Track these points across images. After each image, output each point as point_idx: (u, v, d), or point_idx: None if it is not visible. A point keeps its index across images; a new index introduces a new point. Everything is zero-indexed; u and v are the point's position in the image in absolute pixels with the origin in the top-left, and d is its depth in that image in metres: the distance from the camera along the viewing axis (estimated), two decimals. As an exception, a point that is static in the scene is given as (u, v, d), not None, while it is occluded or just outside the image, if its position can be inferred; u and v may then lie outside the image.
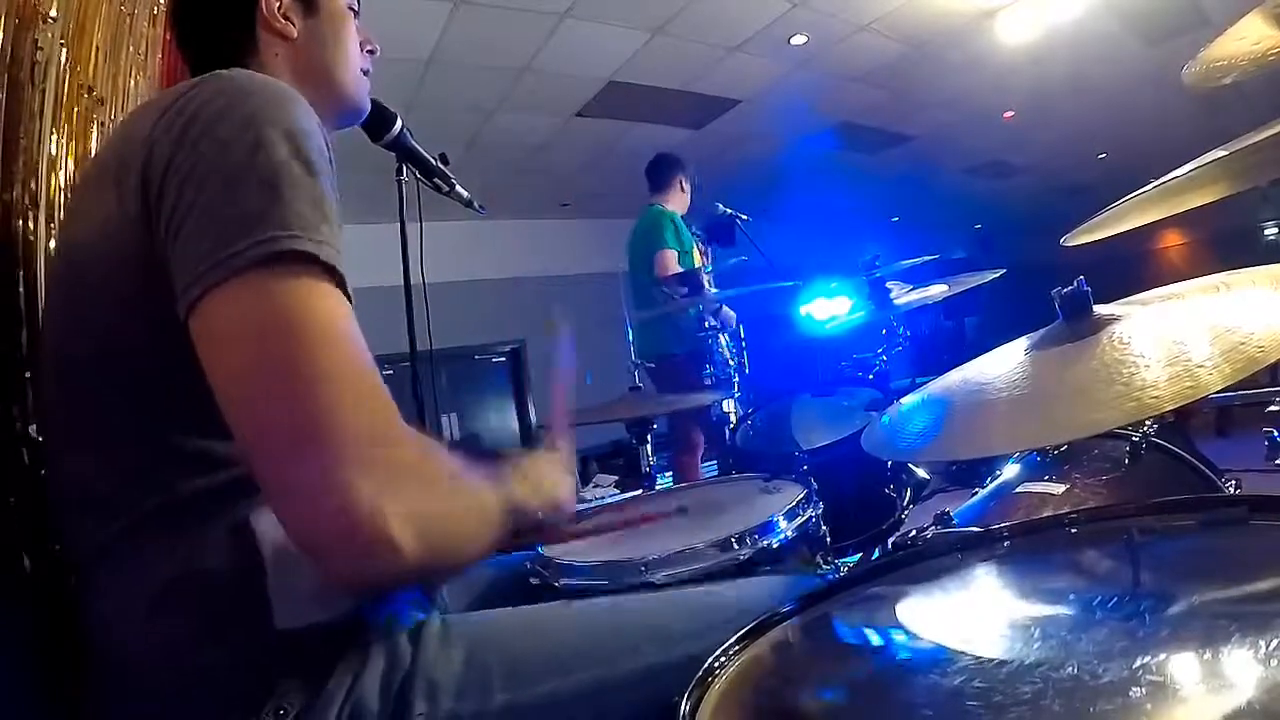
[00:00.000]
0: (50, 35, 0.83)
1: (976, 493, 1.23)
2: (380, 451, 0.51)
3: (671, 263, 2.99)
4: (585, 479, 4.14)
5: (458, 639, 0.69)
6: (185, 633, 0.59)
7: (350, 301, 0.56)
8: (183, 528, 0.59)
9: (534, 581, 1.01)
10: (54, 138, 0.84)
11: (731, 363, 2.80)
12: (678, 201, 3.26)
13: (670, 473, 3.43)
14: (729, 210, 3.21)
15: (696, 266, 3.05)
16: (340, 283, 0.55)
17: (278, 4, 0.79)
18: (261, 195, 0.53)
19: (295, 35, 0.80)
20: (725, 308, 2.86)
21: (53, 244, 0.80)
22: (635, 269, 3.18)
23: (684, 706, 0.50)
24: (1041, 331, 0.78)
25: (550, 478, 0.80)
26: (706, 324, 2.70)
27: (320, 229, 0.54)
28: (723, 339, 2.79)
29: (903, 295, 1.96)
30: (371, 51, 0.90)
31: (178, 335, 0.56)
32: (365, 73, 0.89)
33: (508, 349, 6.79)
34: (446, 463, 0.62)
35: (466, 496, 0.63)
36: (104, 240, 0.59)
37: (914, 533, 0.82)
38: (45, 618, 0.65)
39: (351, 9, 0.86)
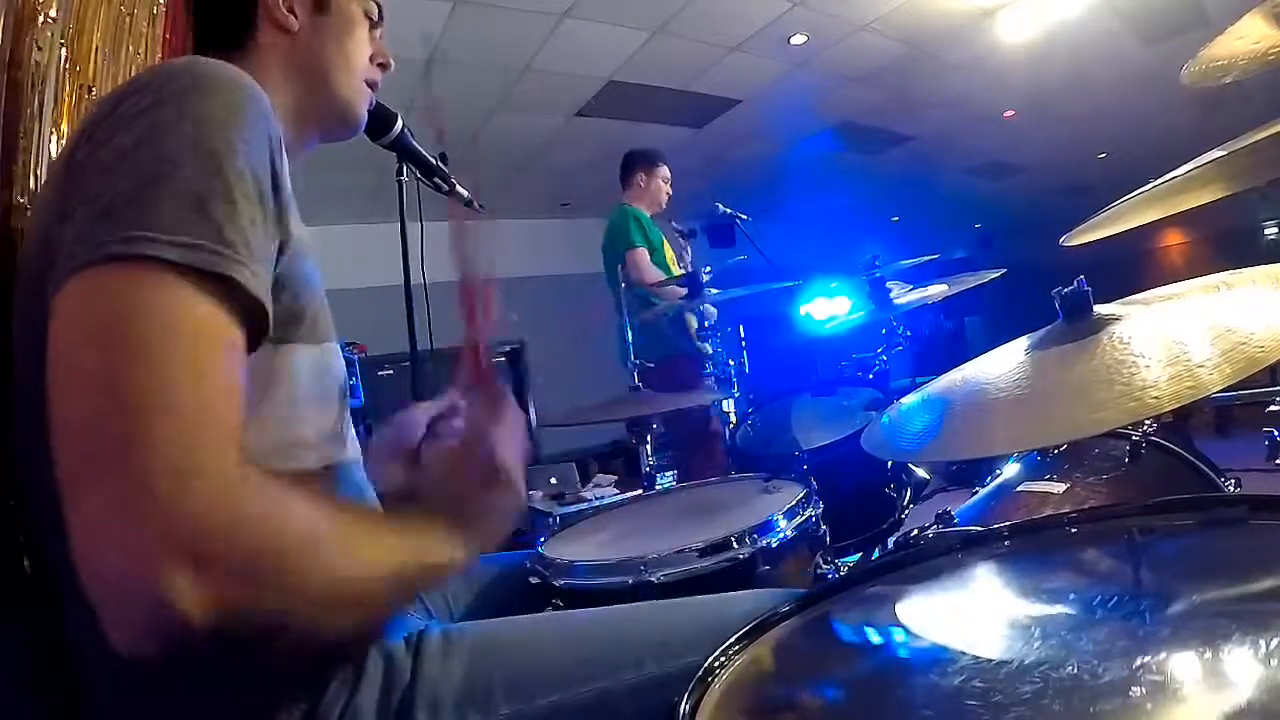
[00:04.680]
0: (50, 35, 0.83)
1: (977, 492, 1.23)
2: (193, 514, 0.41)
3: (643, 261, 2.92)
4: (585, 479, 4.14)
5: (459, 651, 0.68)
6: (167, 669, 0.58)
7: (257, 318, 0.49)
8: None
9: (534, 581, 1.01)
10: (54, 138, 0.84)
11: (732, 363, 2.78)
12: (641, 197, 3.19)
13: (673, 472, 3.43)
14: (729, 210, 3.20)
15: (669, 265, 3.00)
16: (225, 293, 0.47)
17: None
18: (137, 184, 0.47)
19: (297, 30, 0.77)
20: (708, 305, 2.81)
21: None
22: (609, 271, 3.06)
23: (684, 707, 0.50)
24: (1042, 331, 0.78)
25: (480, 516, 0.63)
26: (699, 325, 2.68)
27: (203, 228, 0.47)
28: (698, 337, 2.73)
29: (903, 295, 1.96)
30: (384, 66, 0.86)
31: None
32: (372, 86, 0.85)
33: (508, 349, 6.79)
34: (309, 524, 0.48)
35: (329, 574, 0.48)
36: (47, 247, 0.55)
37: (915, 532, 0.82)
38: (46, 622, 0.64)
39: (369, 17, 0.82)
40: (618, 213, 3.14)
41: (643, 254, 2.95)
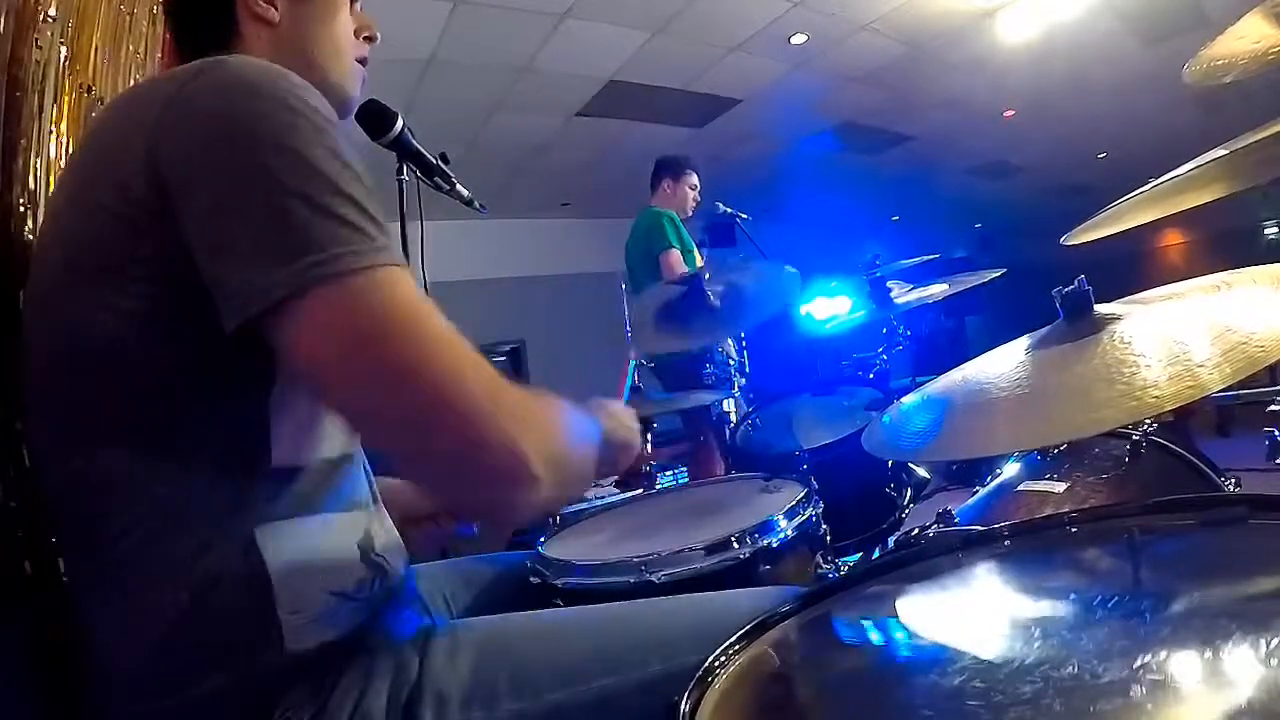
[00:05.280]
0: (50, 35, 0.83)
1: (977, 491, 1.23)
2: (506, 401, 0.56)
3: (677, 263, 2.95)
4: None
5: (465, 648, 0.68)
6: (191, 659, 0.58)
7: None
8: (186, 550, 0.58)
9: (534, 580, 1.01)
10: (54, 138, 0.84)
11: (733, 361, 2.80)
12: (669, 202, 3.20)
13: (671, 471, 3.43)
14: (729, 210, 3.20)
15: (699, 267, 3.03)
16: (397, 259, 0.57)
17: None
18: (314, 212, 0.53)
19: (278, 20, 0.75)
20: None
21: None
22: (635, 271, 3.15)
23: (684, 706, 0.50)
24: (1042, 331, 0.77)
25: (627, 419, 0.87)
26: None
27: (369, 227, 0.55)
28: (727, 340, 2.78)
29: (903, 295, 1.96)
30: (370, 39, 0.84)
31: (184, 346, 0.55)
32: (362, 62, 0.83)
33: (508, 349, 6.79)
34: (553, 404, 0.65)
35: (574, 433, 0.67)
36: (97, 244, 0.57)
37: (915, 531, 0.82)
38: (46, 622, 0.64)
39: None
40: (648, 215, 3.13)
41: (677, 256, 2.97)
